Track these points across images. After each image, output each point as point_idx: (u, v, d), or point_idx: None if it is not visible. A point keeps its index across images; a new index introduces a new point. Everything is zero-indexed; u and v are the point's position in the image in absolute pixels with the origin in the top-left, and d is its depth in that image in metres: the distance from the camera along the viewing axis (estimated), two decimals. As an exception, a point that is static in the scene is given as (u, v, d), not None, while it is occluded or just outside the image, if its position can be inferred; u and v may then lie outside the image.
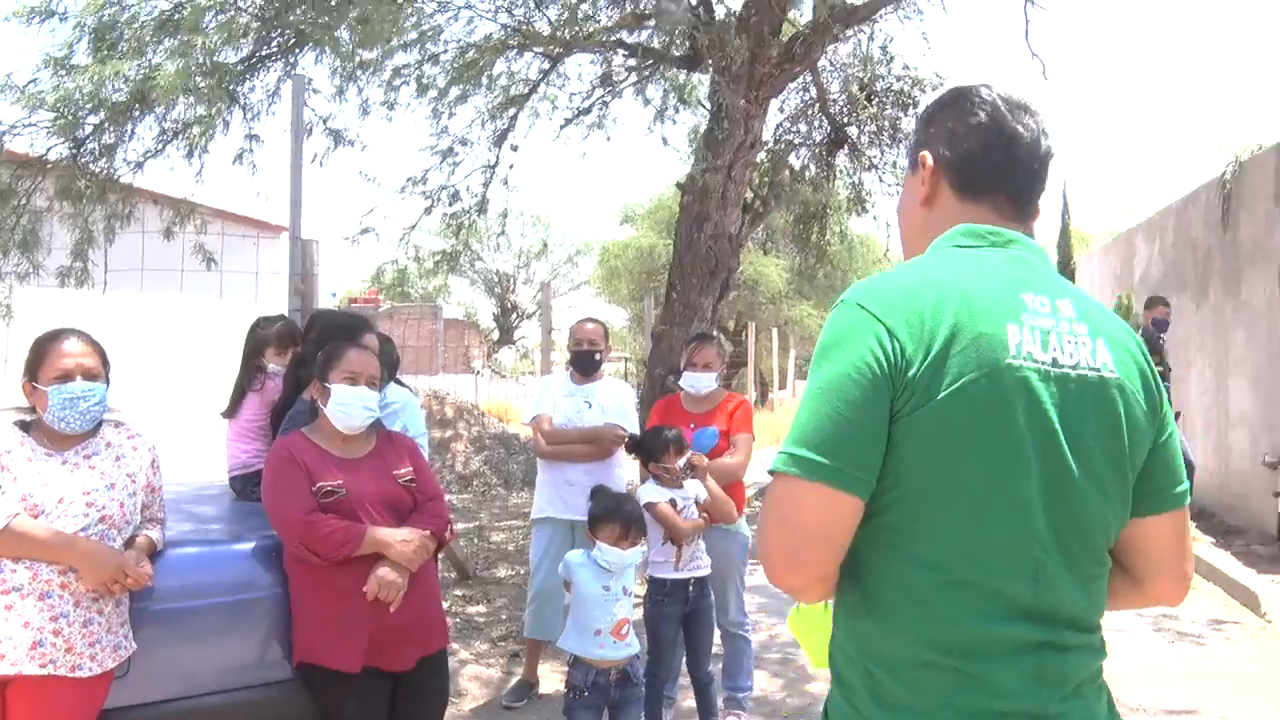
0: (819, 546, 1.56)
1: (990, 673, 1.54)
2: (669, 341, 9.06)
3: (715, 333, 7.25)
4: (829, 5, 8.76)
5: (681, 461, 4.67)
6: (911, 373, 1.53)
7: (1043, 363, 1.58)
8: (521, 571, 8.55)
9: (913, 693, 1.56)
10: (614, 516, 4.17)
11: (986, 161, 1.77)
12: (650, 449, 4.73)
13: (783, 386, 28.91)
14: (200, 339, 10.76)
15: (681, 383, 5.40)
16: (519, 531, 10.48)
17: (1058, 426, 1.58)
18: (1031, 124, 1.78)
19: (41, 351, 3.22)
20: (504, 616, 7.25)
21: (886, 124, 11.43)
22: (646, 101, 10.72)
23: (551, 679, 5.87)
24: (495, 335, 36.53)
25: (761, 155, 10.50)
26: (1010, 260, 1.71)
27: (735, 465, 5.12)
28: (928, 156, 1.81)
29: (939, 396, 1.52)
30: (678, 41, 9.86)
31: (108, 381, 3.28)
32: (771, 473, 1.59)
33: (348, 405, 3.61)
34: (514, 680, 5.81)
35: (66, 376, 3.17)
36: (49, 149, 7.06)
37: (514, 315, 36.68)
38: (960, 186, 1.78)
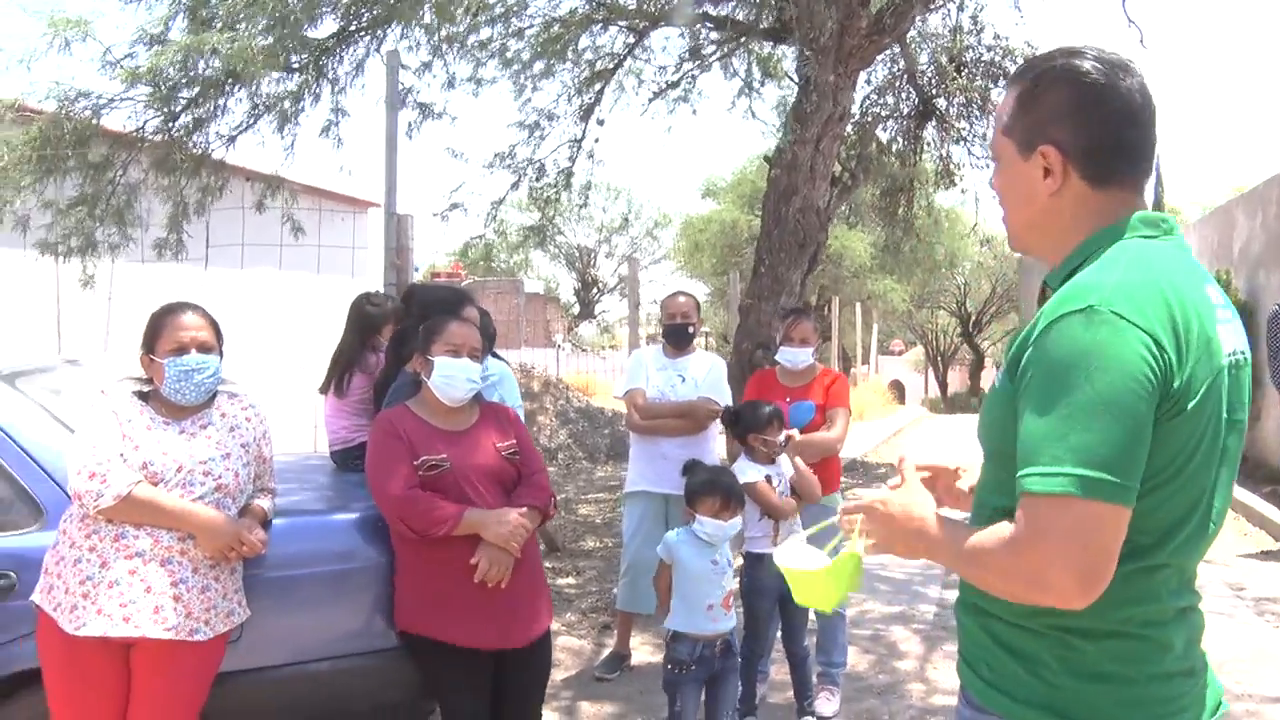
0: (1112, 566, 1.56)
1: (1167, 637, 1.67)
2: (756, 315, 9.03)
3: (810, 308, 7.20)
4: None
5: (781, 437, 4.66)
6: (1175, 384, 1.57)
7: (1228, 355, 1.67)
8: (610, 544, 8.61)
9: (1116, 661, 1.65)
10: (713, 489, 4.18)
11: (1116, 147, 1.73)
12: (752, 422, 4.72)
13: (865, 361, 28.67)
14: (298, 313, 10.97)
15: (778, 357, 5.38)
16: (605, 505, 10.55)
17: (1230, 413, 1.68)
18: (1138, 85, 1.73)
19: (158, 325, 3.30)
20: (593, 589, 7.31)
21: (976, 95, 11.21)
22: (732, 75, 10.64)
23: (643, 651, 5.91)
24: (576, 309, 36.70)
25: (849, 128, 10.38)
26: (1180, 250, 1.74)
27: (832, 439, 5.10)
28: (1053, 150, 1.74)
29: (1190, 406, 1.59)
30: (764, 14, 9.79)
31: (221, 354, 3.36)
32: (1053, 494, 1.54)
33: (451, 377, 3.65)
34: (606, 652, 5.86)
35: (182, 349, 3.25)
36: (144, 123, 7.23)
37: (595, 289, 36.80)
38: (1094, 177, 1.74)
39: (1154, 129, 1.76)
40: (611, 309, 37.25)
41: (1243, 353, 1.75)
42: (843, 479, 5.74)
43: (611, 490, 11.36)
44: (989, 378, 41.64)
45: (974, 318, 37.90)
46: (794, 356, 5.26)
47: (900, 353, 45.37)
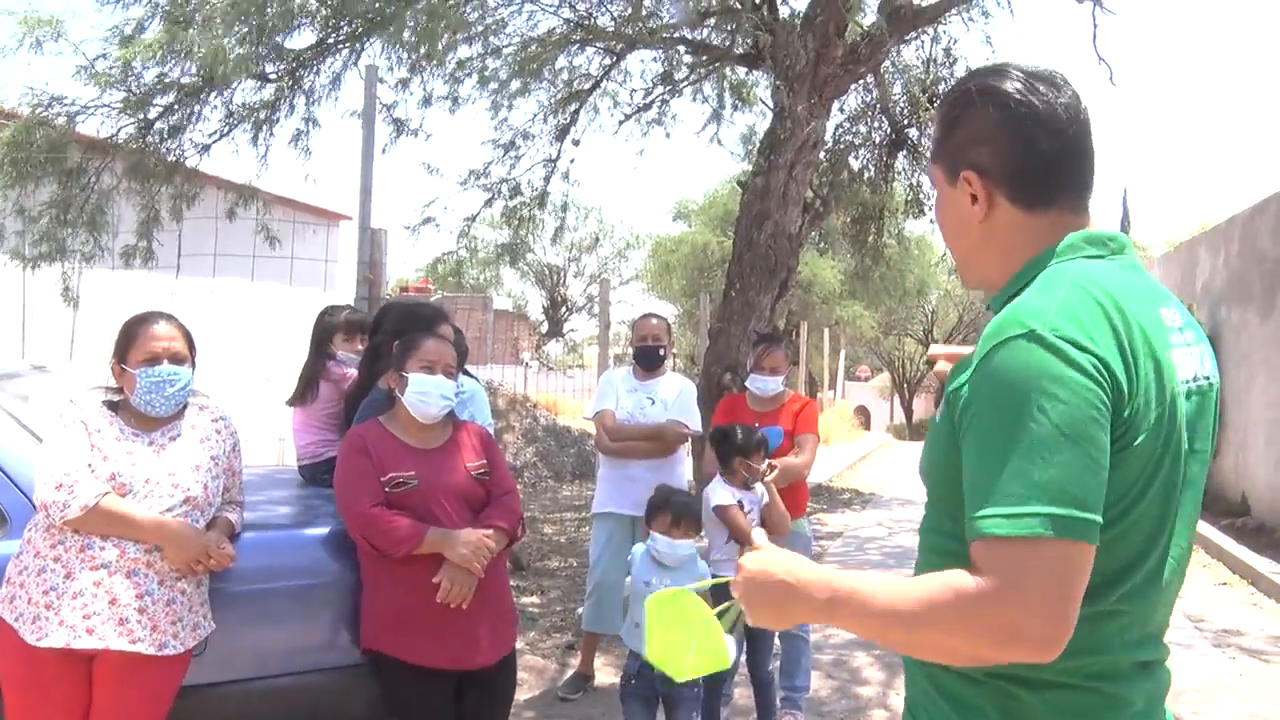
0: (1078, 603, 1.41)
1: (1126, 693, 1.53)
2: (726, 339, 9.08)
3: (781, 335, 7.24)
4: (897, 6, 8.73)
5: (764, 465, 4.69)
6: (1125, 412, 1.45)
7: (1185, 382, 1.56)
8: (575, 563, 8.60)
9: (1061, 714, 1.51)
10: (665, 507, 4.23)
11: (1044, 169, 1.60)
12: (741, 446, 4.73)
13: (831, 387, 28.80)
14: (269, 325, 10.89)
15: (748, 384, 5.41)
16: (570, 524, 10.53)
17: (1190, 445, 1.56)
18: (1066, 100, 1.61)
19: (130, 334, 3.28)
20: (557, 608, 7.29)
21: (948, 126, 11.33)
22: (705, 99, 10.72)
23: (607, 672, 5.90)
24: (544, 328, 36.65)
25: (822, 155, 10.48)
26: (1130, 269, 1.62)
27: (801, 465, 5.12)
28: (974, 176, 1.63)
29: (1141, 437, 1.46)
30: (740, 40, 9.87)
31: (194, 365, 3.35)
32: (1022, 537, 1.38)
33: (425, 394, 3.65)
34: (570, 672, 5.85)
35: (154, 360, 3.23)
36: (119, 129, 7.19)
37: (563, 308, 36.78)
38: (1023, 201, 1.62)
39: (1087, 143, 1.64)
40: (580, 328, 37.26)
41: (1207, 378, 1.63)
42: (809, 504, 5.75)
43: (577, 509, 11.34)
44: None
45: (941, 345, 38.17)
46: (764, 385, 5.29)
47: (866, 379, 45.59)
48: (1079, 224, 1.63)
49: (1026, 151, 1.60)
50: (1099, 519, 1.40)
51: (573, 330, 37.35)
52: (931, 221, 12.23)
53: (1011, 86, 1.61)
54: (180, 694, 3.22)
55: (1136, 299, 1.54)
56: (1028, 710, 1.51)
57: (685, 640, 1.72)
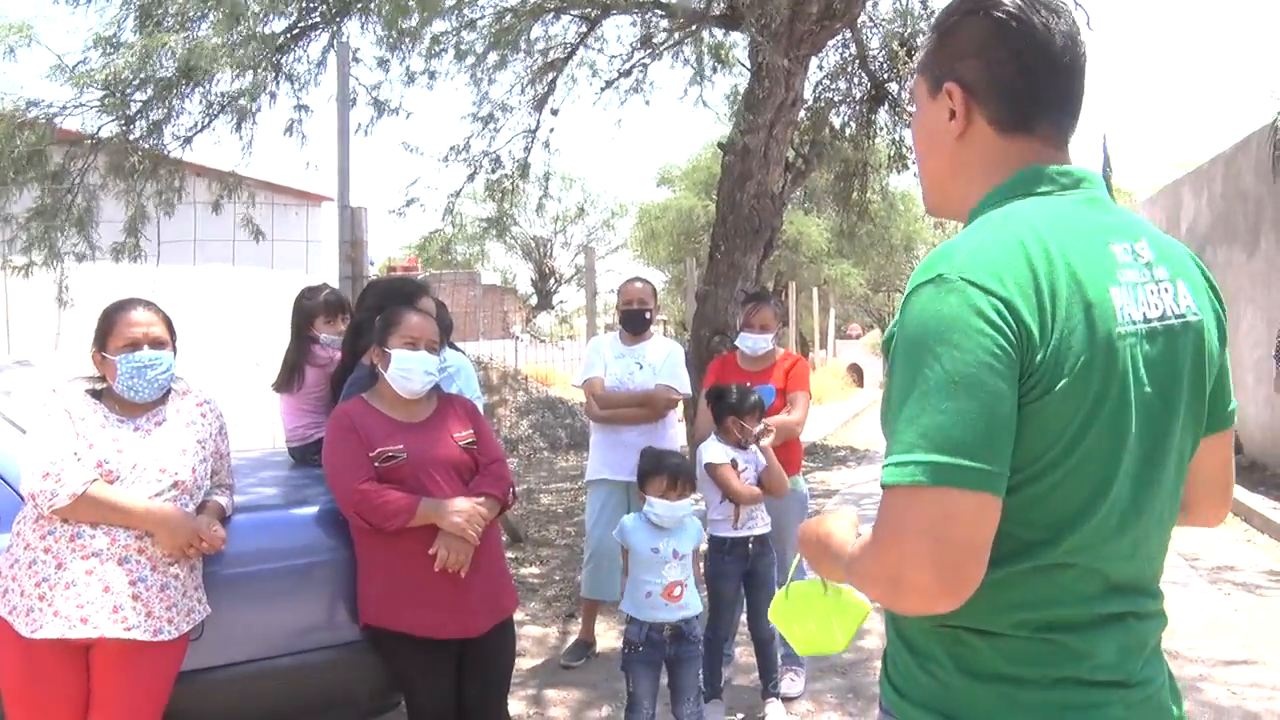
0: (981, 560, 1.37)
1: (1086, 645, 1.48)
2: (714, 302, 9.06)
3: (769, 294, 7.24)
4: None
5: (760, 427, 4.69)
6: (1038, 357, 1.39)
7: (1139, 322, 1.48)
8: (572, 533, 8.63)
9: (1012, 662, 1.48)
10: (659, 469, 4.21)
11: (1028, 90, 1.56)
12: (735, 406, 4.73)
13: (823, 346, 28.82)
14: (252, 309, 10.85)
15: (738, 343, 5.41)
16: (567, 494, 10.56)
17: (1155, 390, 1.49)
18: (1064, 27, 1.55)
19: (109, 321, 3.27)
20: (557, 578, 7.33)
21: (928, 79, 11.29)
22: (684, 63, 10.64)
23: (608, 638, 5.93)
24: (533, 300, 36.62)
25: (802, 114, 10.42)
26: (1087, 203, 1.55)
27: (793, 422, 5.13)
28: (956, 88, 1.59)
29: (1061, 383, 1.40)
30: (715, 1, 9.79)
31: (175, 350, 3.33)
32: (903, 485, 1.37)
33: (409, 370, 3.64)
34: (571, 640, 5.88)
35: (134, 345, 3.21)
36: (100, 127, 7.13)
37: (552, 280, 36.74)
38: (1001, 121, 1.58)
39: (1078, 77, 1.59)
40: (569, 299, 37.25)
41: (1181, 316, 1.54)
42: (804, 462, 5.77)
43: (573, 480, 11.37)
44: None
45: (930, 300, 38.23)
46: (754, 343, 5.29)
47: (858, 336, 45.59)
48: (1055, 160, 1.58)
49: (1014, 68, 1.56)
50: (991, 468, 1.35)
51: (562, 302, 37.36)
52: (915, 175, 12.18)
53: (1011, 2, 1.56)
54: (179, 679, 3.21)
55: (1076, 236, 1.48)
56: (980, 656, 1.49)
57: (821, 622, 1.83)
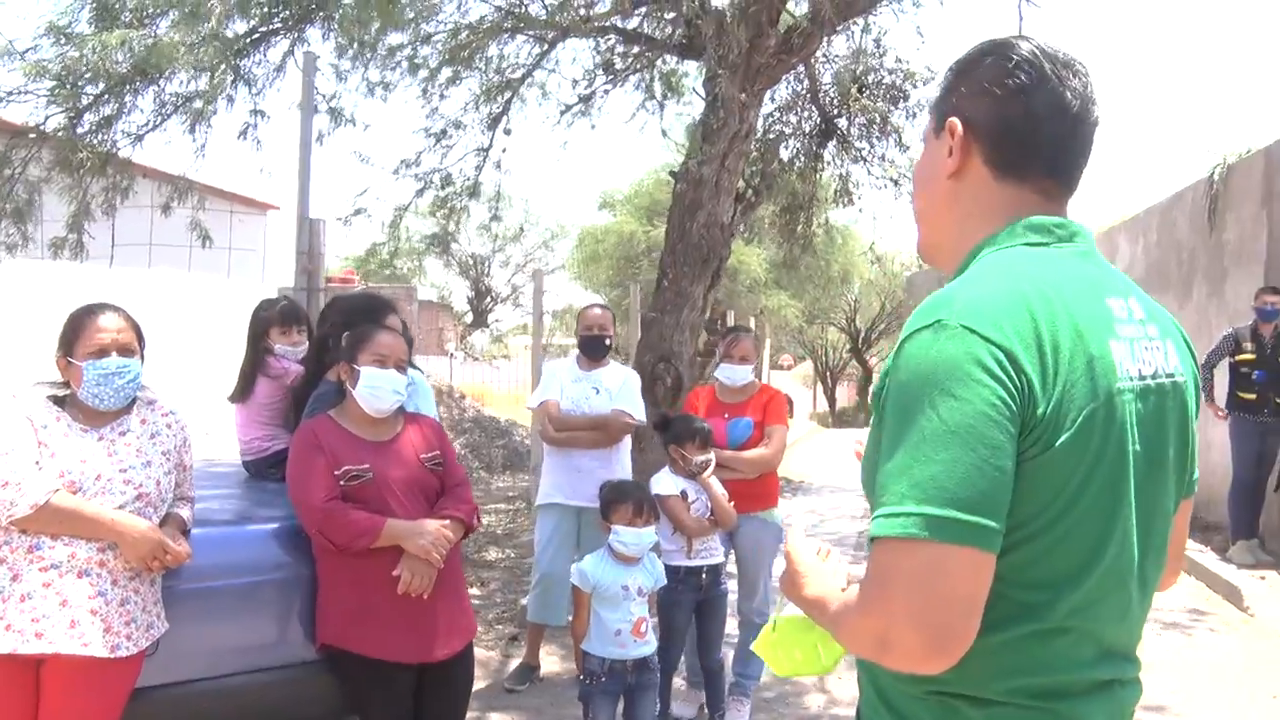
0: (973, 619, 1.32)
1: (1076, 713, 1.44)
2: (659, 329, 9.07)
3: (750, 328, 7.28)
4: (826, -2, 8.78)
5: (701, 458, 4.69)
6: (1039, 410, 1.35)
7: (1134, 379, 1.46)
8: (512, 554, 8.58)
9: None
10: (624, 497, 4.23)
11: (1030, 136, 1.54)
12: (677, 433, 4.75)
13: (758, 375, 28.95)
14: (198, 316, 10.64)
15: (718, 374, 5.44)
16: (505, 515, 10.49)
17: (1144, 448, 1.47)
18: (1079, 86, 1.54)
19: (77, 326, 3.18)
20: (498, 600, 7.26)
21: (877, 117, 11.51)
22: (647, 91, 10.71)
23: (551, 662, 5.89)
24: (469, 318, 36.41)
25: (752, 145, 10.51)
26: (1081, 258, 1.54)
27: (769, 455, 5.16)
28: (957, 123, 1.57)
29: (1063, 438, 1.37)
30: (674, 30, 9.85)
31: (143, 358, 3.26)
32: (893, 538, 1.33)
33: (377, 388, 3.60)
34: (515, 663, 5.83)
35: (103, 352, 3.13)
36: (46, 118, 6.97)
37: (488, 298, 36.57)
38: (997, 163, 1.55)
39: (1084, 135, 1.57)
40: (505, 318, 37.10)
41: (1170, 375, 1.53)
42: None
43: (510, 500, 11.30)
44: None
45: (863, 334, 38.69)
46: (734, 374, 5.31)
47: (789, 367, 46.01)
48: (1051, 212, 1.56)
49: (1019, 111, 1.54)
50: (987, 523, 1.31)
51: (498, 321, 37.19)
52: (860, 211, 12.35)
53: (1027, 49, 1.55)
54: (132, 696, 3.13)
55: (1076, 289, 1.46)
56: None
57: (807, 651, 1.81)
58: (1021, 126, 1.54)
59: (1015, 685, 1.41)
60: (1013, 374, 1.34)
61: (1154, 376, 1.50)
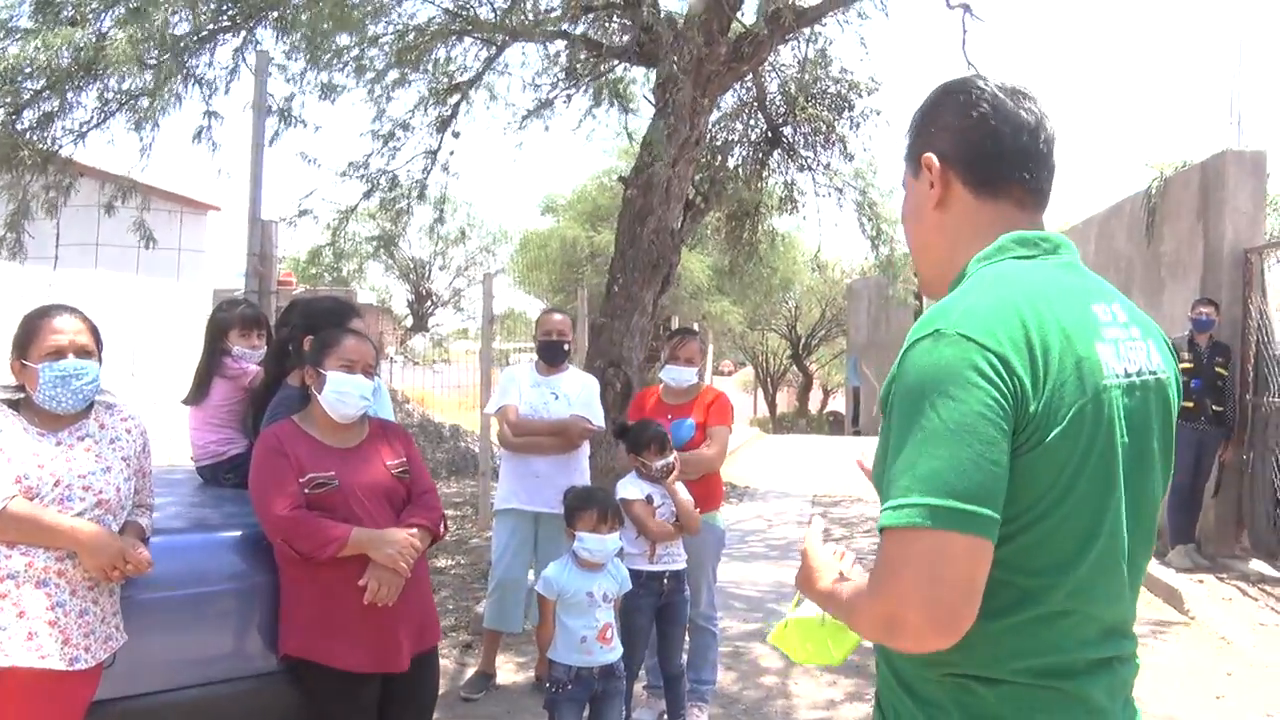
0: (973, 602, 1.44)
1: (1081, 690, 1.55)
2: (609, 334, 9.05)
3: (697, 330, 7.27)
4: (777, 8, 8.82)
5: (661, 462, 4.68)
6: (1032, 408, 1.47)
7: (1121, 376, 1.58)
8: (463, 561, 8.49)
9: (1017, 709, 1.53)
10: (589, 503, 4.20)
11: (996, 152, 1.68)
12: (634, 441, 4.73)
13: (702, 379, 29.03)
14: (153, 319, 10.40)
15: (663, 375, 5.42)
16: (454, 521, 10.38)
17: (1131, 440, 1.59)
18: (1033, 108, 1.70)
19: (32, 328, 3.08)
20: (450, 607, 7.19)
21: (821, 125, 11.60)
22: (595, 97, 10.69)
23: (507, 670, 5.84)
24: (409, 322, 36.06)
25: (701, 152, 10.53)
26: (1066, 268, 1.67)
27: (711, 456, 5.16)
28: (933, 158, 1.72)
29: (1054, 432, 1.49)
30: (621, 36, 9.84)
31: (101, 360, 3.17)
32: (900, 527, 1.45)
33: (344, 394, 3.53)
34: (470, 671, 5.76)
35: (59, 354, 3.03)
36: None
37: (428, 302, 36.26)
38: (974, 183, 1.70)
39: (1046, 148, 1.72)
40: (445, 322, 36.81)
41: (1153, 373, 1.66)
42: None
43: (458, 506, 11.20)
44: (816, 399, 42.91)
45: (803, 341, 38.95)
46: (679, 375, 5.31)
47: (730, 373, 46.23)
48: (1032, 225, 1.70)
49: (983, 132, 1.69)
50: (984, 512, 1.43)
51: (438, 325, 36.88)
52: (804, 218, 12.45)
53: (983, 84, 1.72)
54: (89, 710, 3.04)
55: (1063, 297, 1.58)
56: (986, 706, 1.54)
57: (818, 644, 1.92)
58: (989, 146, 1.69)
59: (1023, 665, 1.53)
60: (1006, 377, 1.47)
61: (1138, 374, 1.63)
